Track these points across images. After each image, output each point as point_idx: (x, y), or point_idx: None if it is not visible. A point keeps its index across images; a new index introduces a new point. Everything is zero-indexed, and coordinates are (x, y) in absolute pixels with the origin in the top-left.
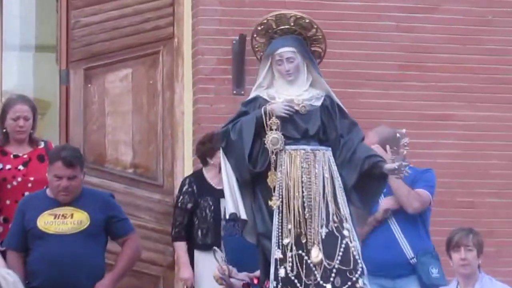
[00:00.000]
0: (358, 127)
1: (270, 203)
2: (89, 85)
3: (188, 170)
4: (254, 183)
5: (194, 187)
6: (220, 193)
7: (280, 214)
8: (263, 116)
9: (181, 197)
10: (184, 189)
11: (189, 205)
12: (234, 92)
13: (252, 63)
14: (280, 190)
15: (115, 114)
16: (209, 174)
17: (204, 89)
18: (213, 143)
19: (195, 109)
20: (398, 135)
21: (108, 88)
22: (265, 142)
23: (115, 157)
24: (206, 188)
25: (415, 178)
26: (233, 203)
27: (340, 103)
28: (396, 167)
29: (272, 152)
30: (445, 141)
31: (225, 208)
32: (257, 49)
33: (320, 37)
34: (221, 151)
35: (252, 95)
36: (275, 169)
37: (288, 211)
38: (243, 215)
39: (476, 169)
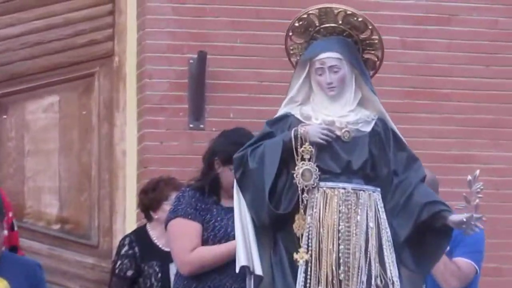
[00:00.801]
0: (419, 163)
1: (295, 256)
2: (4, 116)
3: (131, 227)
4: (276, 228)
5: (136, 249)
6: (169, 257)
7: (308, 272)
8: (293, 141)
9: (119, 261)
10: (123, 251)
11: (130, 272)
12: (191, 126)
13: (215, 88)
14: (309, 240)
15: (38, 154)
16: (154, 232)
17: (152, 122)
18: (157, 193)
19: (141, 147)
20: (469, 178)
21: (29, 120)
22: (294, 175)
23: (36, 209)
24: (151, 250)
25: (455, 239)
26: (245, 253)
27: (396, 130)
28: (465, 219)
29: (303, 190)
30: (463, 189)
31: (176, 276)
32: (292, 52)
33: (376, 41)
34: (235, 183)
35: (281, 111)
36: (305, 212)
37: (318, 269)
38: (258, 270)
39: (504, 226)
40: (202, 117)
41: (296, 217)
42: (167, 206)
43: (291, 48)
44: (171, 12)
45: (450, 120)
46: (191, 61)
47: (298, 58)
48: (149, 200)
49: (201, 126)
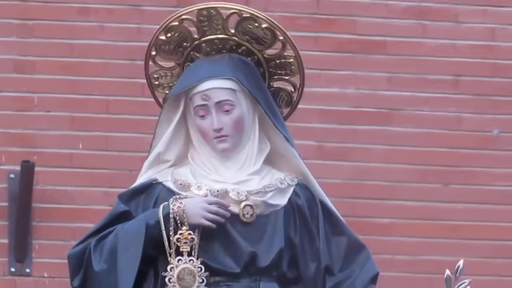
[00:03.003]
0: (367, 253)
1: None
2: None
3: None
4: None
5: None
6: None
7: None
8: (162, 225)
9: None
10: None
11: None
12: (13, 270)
13: (47, 216)
14: None
15: None
16: None
17: None
18: None
19: None
20: (447, 273)
21: None
22: (166, 279)
23: None
24: None
25: None
26: None
27: (329, 203)
28: None
29: None
30: None
31: None
32: (156, 82)
33: (291, 60)
34: None
35: (143, 177)
36: None
37: None
38: None
39: None
40: (27, 258)
41: None
42: None
43: (156, 76)
44: None
45: None
46: (11, 175)
47: (166, 92)
48: None
49: (27, 270)
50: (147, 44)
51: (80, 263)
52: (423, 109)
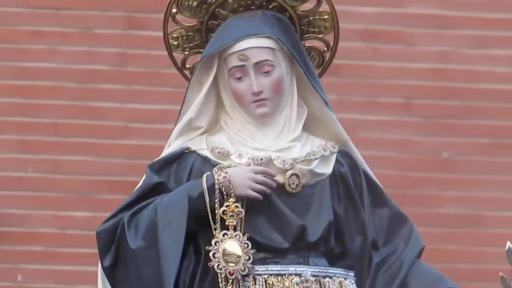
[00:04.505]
0: (410, 225)
1: None
2: None
3: None
4: None
5: None
6: None
7: None
8: (207, 197)
9: None
10: None
11: None
12: None
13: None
14: None
15: None
16: None
17: None
18: None
19: None
20: (509, 245)
21: None
22: (210, 254)
23: None
24: None
25: None
26: None
27: (370, 172)
28: None
29: (226, 279)
30: None
31: None
32: (175, 42)
33: (326, 17)
34: (99, 277)
35: (173, 146)
36: None
37: None
38: None
39: None
40: None
41: None
42: None
43: (175, 35)
44: None
45: None
46: None
47: (186, 53)
48: None
49: None
50: (98, 67)
51: (110, 241)
52: (373, 132)
